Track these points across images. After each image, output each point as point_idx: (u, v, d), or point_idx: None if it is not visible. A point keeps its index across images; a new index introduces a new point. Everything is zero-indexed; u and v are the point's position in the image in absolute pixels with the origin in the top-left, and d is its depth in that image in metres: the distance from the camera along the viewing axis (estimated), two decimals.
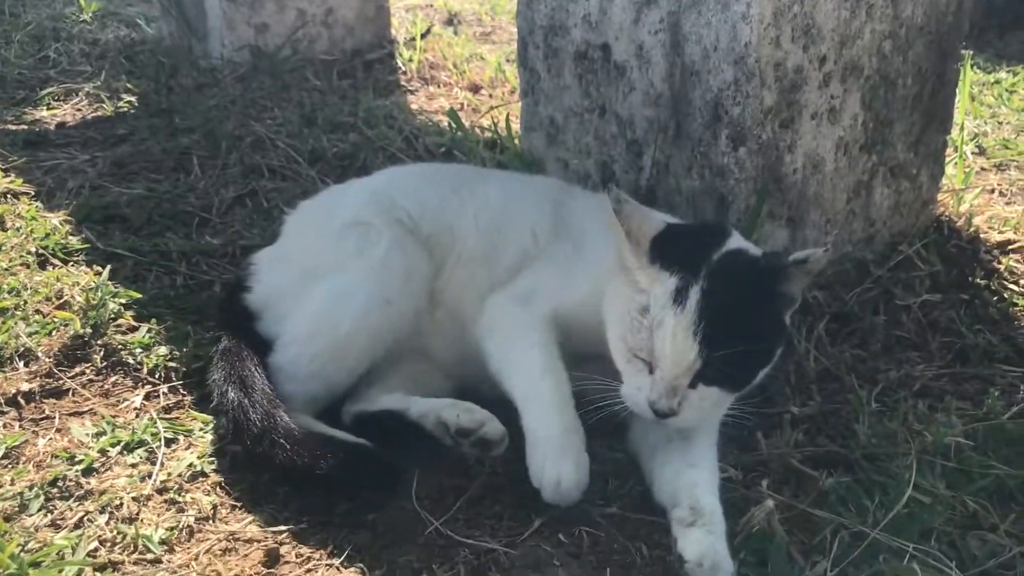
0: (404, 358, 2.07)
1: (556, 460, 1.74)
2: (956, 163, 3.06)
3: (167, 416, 2.04)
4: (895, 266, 2.62)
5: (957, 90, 2.79)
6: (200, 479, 1.85)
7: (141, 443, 1.93)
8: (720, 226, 1.94)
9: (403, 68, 4.43)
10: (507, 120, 3.20)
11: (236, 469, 1.87)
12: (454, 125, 3.34)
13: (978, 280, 2.66)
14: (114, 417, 2.02)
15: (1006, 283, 2.67)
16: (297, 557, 1.67)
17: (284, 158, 3.34)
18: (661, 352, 1.72)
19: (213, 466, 1.88)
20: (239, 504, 1.79)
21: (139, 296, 2.42)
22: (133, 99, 3.92)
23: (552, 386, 1.83)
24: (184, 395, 2.13)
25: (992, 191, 3.37)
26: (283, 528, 1.73)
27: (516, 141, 2.97)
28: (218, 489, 1.83)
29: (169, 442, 1.94)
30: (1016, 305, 2.54)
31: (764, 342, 1.78)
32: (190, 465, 1.86)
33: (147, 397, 2.12)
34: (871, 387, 2.17)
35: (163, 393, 2.13)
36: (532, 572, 1.63)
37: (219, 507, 1.78)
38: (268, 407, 1.87)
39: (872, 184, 2.61)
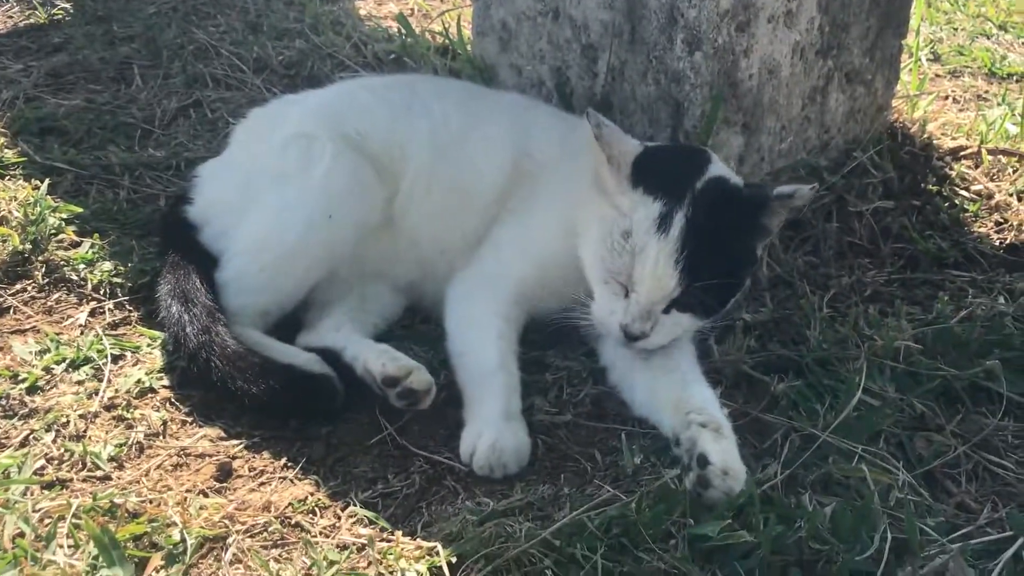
0: (355, 277, 2.03)
1: (494, 428, 1.67)
2: (911, 69, 3.03)
3: (114, 333, 2.00)
4: (848, 173, 2.61)
5: None
6: (149, 395, 1.82)
7: (87, 360, 1.89)
8: (699, 150, 1.89)
9: None
10: (459, 24, 3.11)
11: (186, 385, 1.84)
12: (404, 31, 3.25)
13: (930, 186, 2.66)
14: (58, 335, 1.97)
15: (957, 189, 2.68)
16: (250, 471, 1.66)
17: (228, 67, 3.23)
18: (641, 277, 1.72)
19: (162, 382, 1.85)
20: (189, 420, 1.77)
21: (80, 211, 2.35)
22: (68, 5, 3.75)
23: (502, 381, 1.78)
24: (131, 311, 2.08)
25: (946, 97, 3.38)
26: (235, 443, 1.72)
27: (468, 47, 2.89)
28: (168, 405, 1.80)
29: (116, 359, 1.91)
30: (966, 211, 2.56)
31: (738, 272, 1.80)
32: (138, 381, 1.83)
33: (92, 314, 2.07)
34: (823, 293, 2.19)
35: (108, 309, 2.08)
36: (486, 482, 1.64)
37: (169, 423, 1.75)
38: (207, 321, 1.83)
39: (827, 90, 2.59)
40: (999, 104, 3.28)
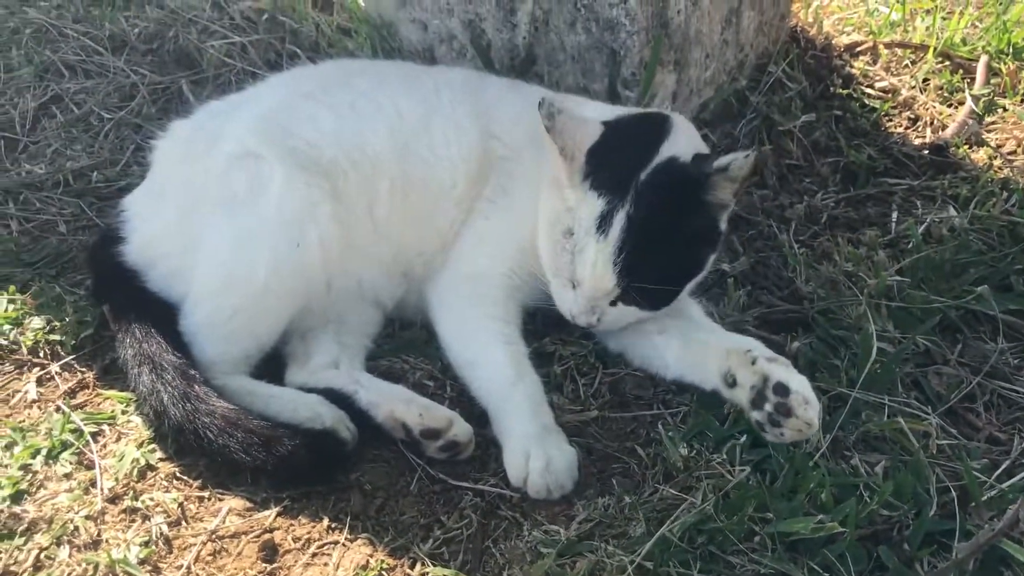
0: (332, 299, 1.89)
1: (541, 447, 1.61)
2: None
3: (76, 403, 1.80)
4: (768, 90, 2.62)
5: None
6: (151, 474, 1.66)
7: (64, 446, 1.70)
8: (659, 123, 1.80)
9: None
10: None
11: (185, 452, 1.69)
12: None
13: (839, 89, 2.71)
14: (15, 419, 1.76)
15: (863, 88, 2.74)
16: (295, 542, 1.55)
17: (80, 49, 2.89)
18: (581, 278, 1.70)
19: (158, 455, 1.69)
20: (205, 494, 1.63)
21: None
22: None
23: (525, 391, 1.71)
24: (83, 372, 1.88)
25: None
26: (266, 512, 1.60)
27: (361, 3, 2.68)
28: (175, 481, 1.65)
29: (95, 436, 1.73)
30: (882, 112, 2.62)
31: (691, 258, 1.76)
32: (134, 461, 1.66)
33: (40, 383, 1.86)
34: (785, 228, 2.21)
35: (56, 374, 1.87)
36: (543, 504, 1.60)
37: (185, 504, 1.61)
38: (183, 387, 1.67)
39: (740, 9, 2.56)
40: None
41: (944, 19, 2.97)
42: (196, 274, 1.81)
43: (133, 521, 1.58)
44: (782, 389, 1.59)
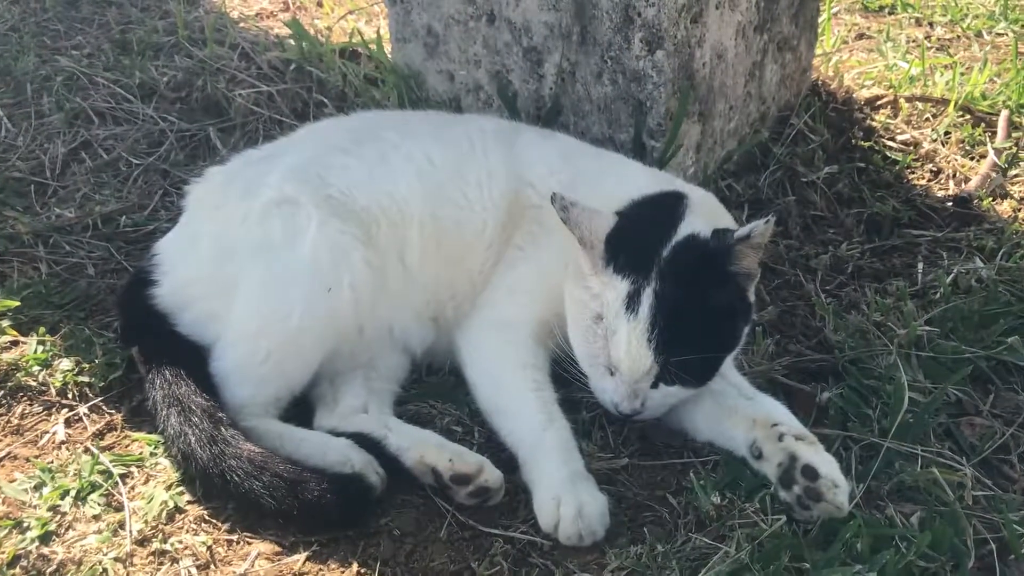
0: (362, 343, 1.90)
1: (572, 493, 1.60)
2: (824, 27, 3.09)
3: (104, 445, 1.80)
4: (790, 141, 2.65)
5: None
6: (179, 517, 1.65)
7: (93, 487, 1.70)
8: (672, 203, 1.81)
9: None
10: (378, 33, 2.93)
11: (213, 495, 1.68)
12: (295, 32, 3.02)
13: (860, 142, 2.73)
14: (44, 460, 1.76)
15: (886, 141, 2.76)
16: None
17: (110, 96, 2.93)
18: (617, 361, 1.69)
19: (187, 497, 1.69)
20: (234, 538, 1.62)
21: (14, 303, 2.08)
22: None
23: (555, 437, 1.71)
24: (111, 414, 1.88)
25: (861, 38, 3.44)
26: (295, 557, 1.59)
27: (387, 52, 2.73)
28: (204, 524, 1.64)
29: (123, 478, 1.72)
30: (904, 164, 2.64)
31: (725, 330, 1.74)
32: (162, 503, 1.66)
33: (68, 424, 1.86)
34: (812, 277, 2.21)
35: (85, 415, 1.87)
36: (574, 552, 1.58)
37: (214, 547, 1.60)
38: (211, 429, 1.67)
39: (764, 63, 2.59)
40: (885, 41, 3.37)
41: (963, 74, 3.00)
42: (231, 317, 1.82)
43: (162, 564, 1.57)
44: (811, 472, 1.58)
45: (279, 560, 1.58)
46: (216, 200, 1.96)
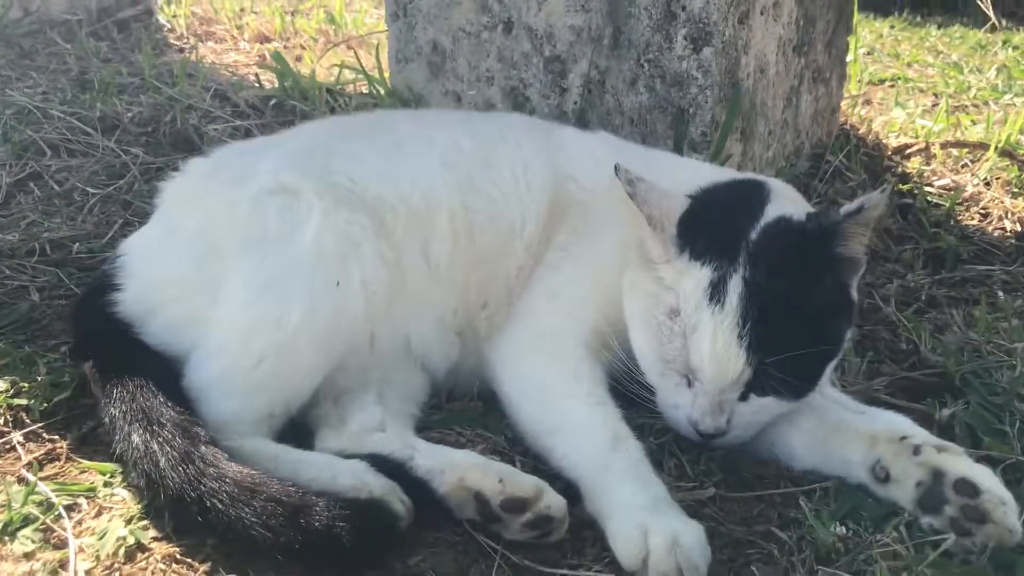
0: (375, 355, 1.55)
1: (661, 520, 1.25)
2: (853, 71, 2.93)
3: (43, 476, 1.40)
4: (828, 178, 2.42)
5: None
6: (142, 556, 1.25)
7: (26, 520, 1.29)
8: (754, 186, 1.54)
9: (169, 25, 3.72)
10: (376, 53, 2.67)
11: (185, 529, 1.28)
12: (280, 68, 2.76)
13: (899, 186, 2.52)
14: None
15: (924, 187, 2.54)
16: None
17: (67, 129, 2.61)
18: (700, 364, 1.37)
19: (152, 533, 1.28)
20: None
21: None
22: None
23: (627, 458, 1.36)
24: (54, 442, 1.49)
25: (869, 104, 3.30)
26: None
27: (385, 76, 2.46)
28: (174, 565, 1.24)
29: (69, 510, 1.32)
30: (950, 206, 2.42)
31: (829, 329, 1.41)
32: (119, 540, 1.25)
33: None
34: (885, 304, 1.93)
35: (19, 444, 1.47)
36: None
37: None
38: (184, 445, 1.30)
39: (800, 90, 2.38)
40: (896, 105, 3.23)
41: (996, 123, 2.84)
42: (214, 318, 1.46)
43: None
44: (968, 488, 1.26)
45: None
46: (198, 190, 1.63)
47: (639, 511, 1.27)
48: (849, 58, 2.73)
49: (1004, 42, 4.60)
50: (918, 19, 5.45)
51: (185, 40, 3.62)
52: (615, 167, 1.44)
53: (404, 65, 2.36)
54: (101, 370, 1.48)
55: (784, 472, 1.46)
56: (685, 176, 1.60)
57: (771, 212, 1.45)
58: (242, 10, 4.08)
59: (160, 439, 1.32)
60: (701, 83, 1.97)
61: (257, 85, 2.85)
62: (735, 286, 1.36)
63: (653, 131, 2.05)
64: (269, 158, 1.63)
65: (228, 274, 1.49)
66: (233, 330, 1.45)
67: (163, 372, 1.45)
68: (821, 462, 1.43)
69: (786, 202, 1.50)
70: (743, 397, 1.39)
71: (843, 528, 1.28)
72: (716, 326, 1.36)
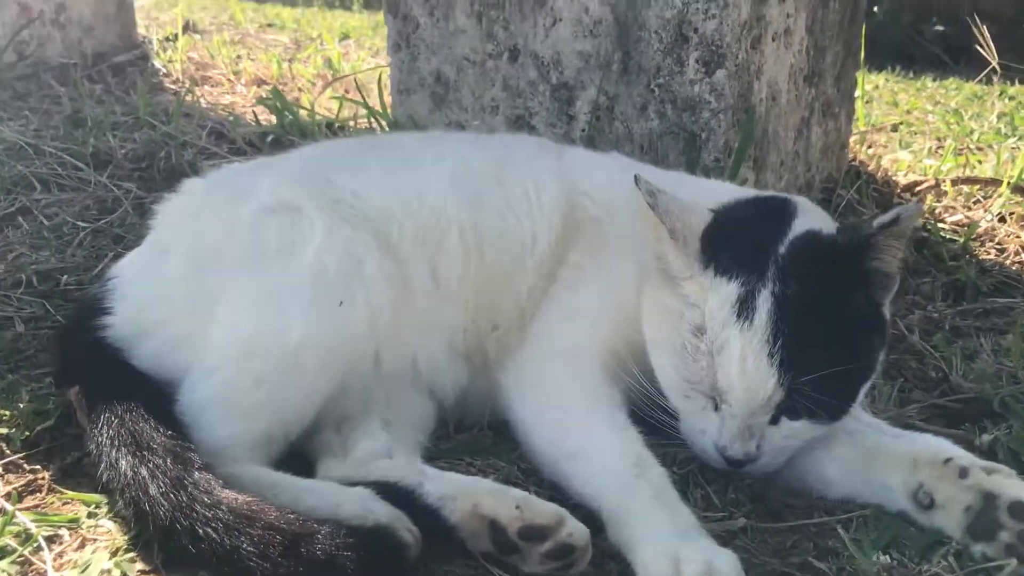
0: (379, 381, 1.46)
1: (693, 547, 1.16)
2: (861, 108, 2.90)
3: (23, 507, 1.30)
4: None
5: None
6: None
7: (2, 553, 1.18)
8: (780, 202, 1.48)
9: (164, 70, 3.68)
10: (379, 85, 2.62)
11: (176, 562, 1.18)
12: (278, 105, 2.71)
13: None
14: None
15: (937, 222, 2.49)
16: None
17: (58, 165, 2.54)
18: (728, 384, 1.29)
19: (139, 566, 1.18)
20: None
21: None
22: None
23: (653, 483, 1.27)
24: (35, 472, 1.39)
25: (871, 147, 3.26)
26: None
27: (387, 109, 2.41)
28: None
29: (49, 542, 1.21)
30: (964, 241, 2.36)
31: (862, 347, 1.34)
32: (104, 571, 1.15)
33: None
34: (909, 333, 1.86)
35: None
36: None
37: None
38: (177, 471, 1.21)
39: (811, 122, 2.33)
40: (900, 148, 3.19)
41: (1005, 163, 2.80)
42: (208, 338, 1.38)
43: None
44: (1020, 509, 1.17)
45: None
46: (194, 209, 1.56)
47: (669, 538, 1.17)
48: (857, 93, 2.69)
49: (1001, 93, 4.62)
50: (911, 74, 5.48)
51: (181, 84, 3.57)
52: (635, 177, 1.37)
53: (406, 97, 2.31)
54: (87, 396, 1.39)
55: (817, 503, 1.37)
56: (705, 193, 1.53)
57: (799, 226, 1.38)
58: (239, 57, 4.06)
59: (150, 465, 1.22)
60: (714, 107, 1.92)
61: (255, 123, 2.79)
62: (764, 302, 1.29)
63: (664, 157, 1.99)
64: (269, 176, 1.56)
65: (225, 292, 1.41)
66: (230, 349, 1.36)
67: (155, 397, 1.36)
68: (858, 489, 1.34)
69: (814, 217, 1.44)
70: (774, 420, 1.31)
71: (887, 557, 1.18)
72: (745, 344, 1.28)
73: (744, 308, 1.29)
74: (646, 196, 1.36)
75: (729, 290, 1.31)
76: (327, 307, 1.38)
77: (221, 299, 1.40)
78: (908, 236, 1.33)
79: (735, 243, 1.35)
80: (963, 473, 1.22)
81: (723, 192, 1.57)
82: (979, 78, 4.62)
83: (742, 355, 1.28)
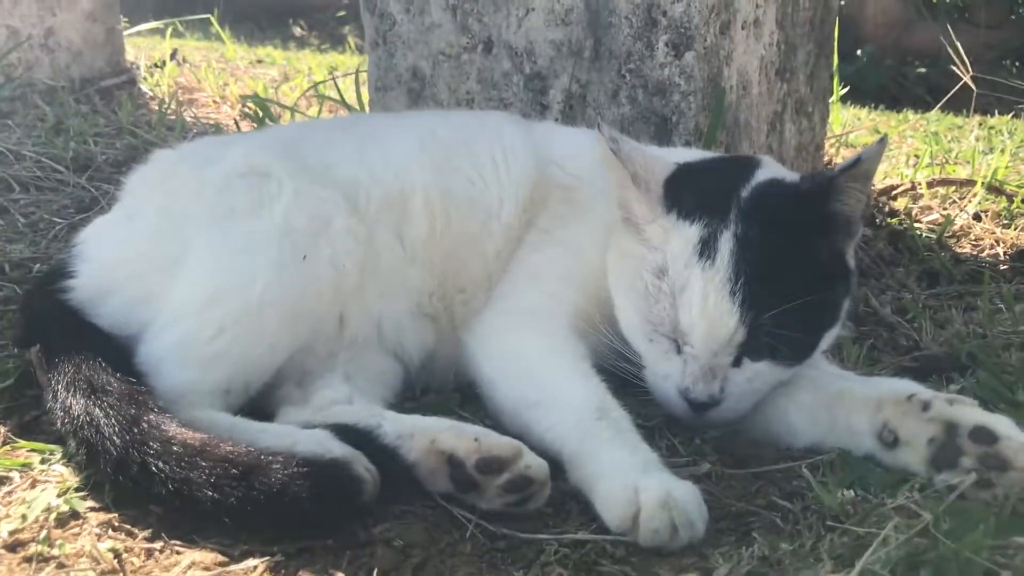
0: (345, 342, 1.46)
1: (653, 477, 1.15)
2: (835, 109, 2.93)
3: None
4: None
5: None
6: (75, 522, 1.12)
7: None
8: (746, 157, 1.50)
9: (151, 93, 3.71)
10: (356, 82, 2.64)
11: (127, 500, 1.16)
12: (259, 111, 2.73)
13: (888, 219, 2.48)
14: None
15: (914, 223, 2.50)
16: None
17: (38, 168, 2.55)
18: (690, 324, 1.29)
19: (89, 504, 1.16)
20: (156, 546, 1.09)
21: None
22: None
23: (614, 426, 1.25)
24: None
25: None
26: (248, 565, 1.05)
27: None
28: (111, 531, 1.11)
29: (0, 483, 1.19)
30: (940, 235, 2.37)
31: (825, 291, 1.33)
32: (49, 506, 1.13)
33: None
34: (880, 307, 1.86)
35: None
36: (664, 558, 1.09)
37: (126, 556, 1.07)
38: (131, 411, 1.20)
39: (784, 118, 2.35)
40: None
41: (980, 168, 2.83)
42: (172, 293, 1.37)
43: (41, 571, 1.02)
44: (985, 435, 1.17)
45: (223, 570, 1.05)
46: (162, 175, 1.56)
47: (629, 471, 1.16)
48: (831, 99, 2.72)
49: (980, 124, 4.68)
50: (893, 111, 5.55)
51: (167, 106, 3.61)
52: (597, 124, 1.39)
53: (384, 94, 2.32)
54: (48, 355, 1.38)
55: (783, 454, 1.36)
56: (674, 155, 1.55)
57: (762, 175, 1.39)
58: (225, 84, 4.10)
59: (103, 405, 1.22)
60: (684, 89, 1.93)
61: (237, 131, 2.82)
62: (726, 243, 1.29)
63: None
64: (239, 145, 1.58)
65: (191, 250, 1.40)
66: (193, 300, 1.35)
67: (114, 350, 1.35)
68: (823, 435, 1.33)
69: (779, 169, 1.45)
70: (736, 363, 1.30)
71: (851, 493, 1.17)
72: (707, 283, 1.28)
73: (706, 249, 1.30)
74: (609, 142, 1.37)
75: (691, 232, 1.32)
76: (292, 264, 1.38)
77: (186, 256, 1.40)
78: (870, 179, 1.33)
79: (698, 188, 1.37)
80: (925, 407, 1.22)
81: (692, 155, 1.59)
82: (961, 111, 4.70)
83: (703, 294, 1.28)
